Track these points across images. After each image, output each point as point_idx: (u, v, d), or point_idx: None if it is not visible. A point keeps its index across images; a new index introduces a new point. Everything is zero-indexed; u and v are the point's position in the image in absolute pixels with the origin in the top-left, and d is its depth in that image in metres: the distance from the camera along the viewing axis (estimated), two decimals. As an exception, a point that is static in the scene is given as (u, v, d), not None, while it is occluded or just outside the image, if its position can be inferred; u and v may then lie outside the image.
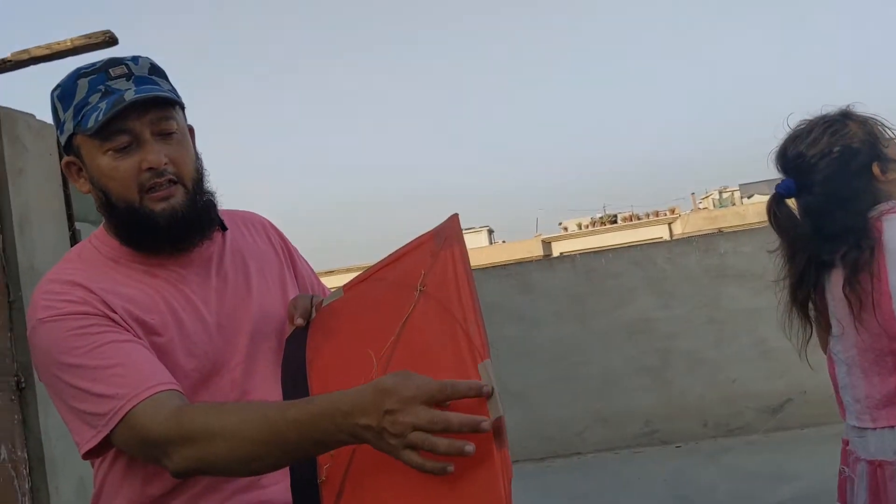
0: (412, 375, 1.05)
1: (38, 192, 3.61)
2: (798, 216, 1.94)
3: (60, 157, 3.63)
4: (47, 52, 3.13)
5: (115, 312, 1.28)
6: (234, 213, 1.54)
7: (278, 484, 1.36)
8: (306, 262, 1.64)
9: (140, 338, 1.28)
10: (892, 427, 1.80)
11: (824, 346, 1.97)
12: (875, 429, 1.83)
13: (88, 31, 3.10)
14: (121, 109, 1.26)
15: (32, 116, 3.69)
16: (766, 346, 5.68)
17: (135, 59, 1.34)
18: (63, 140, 1.34)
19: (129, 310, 1.30)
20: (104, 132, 1.27)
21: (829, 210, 1.85)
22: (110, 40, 3.07)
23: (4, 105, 3.54)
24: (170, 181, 1.32)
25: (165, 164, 1.31)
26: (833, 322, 1.89)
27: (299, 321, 1.37)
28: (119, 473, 1.33)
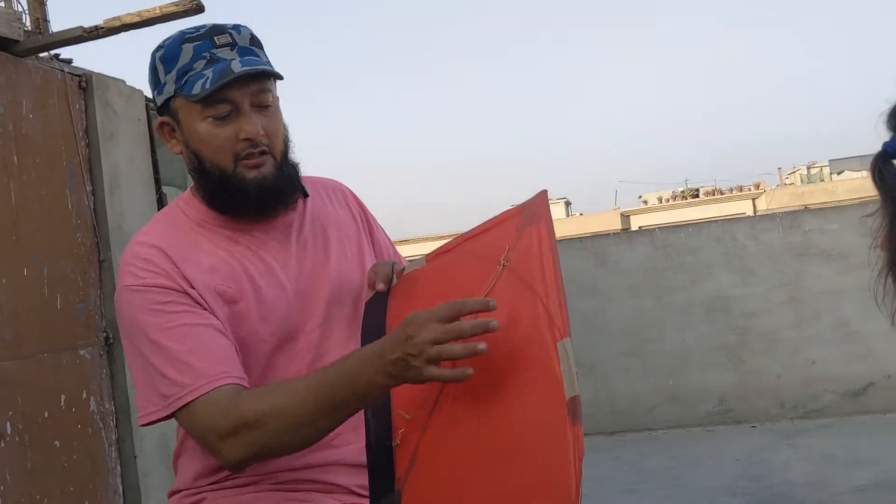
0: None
1: (128, 156, 3.74)
2: None
3: (149, 120, 3.75)
4: (137, 19, 3.21)
5: (194, 288, 1.33)
6: (315, 180, 1.57)
7: (350, 445, 1.40)
8: (384, 231, 1.66)
9: (216, 314, 1.32)
10: None
11: None
12: None
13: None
14: (227, 81, 1.30)
15: (123, 82, 3.81)
16: (849, 328, 5.51)
17: (237, 27, 1.37)
18: (160, 101, 1.38)
19: (208, 281, 1.34)
20: (207, 99, 1.31)
21: None
22: (197, 7, 3.14)
23: (96, 71, 3.66)
24: (262, 152, 1.36)
25: (261, 135, 1.34)
26: None
27: (380, 286, 1.40)
28: None
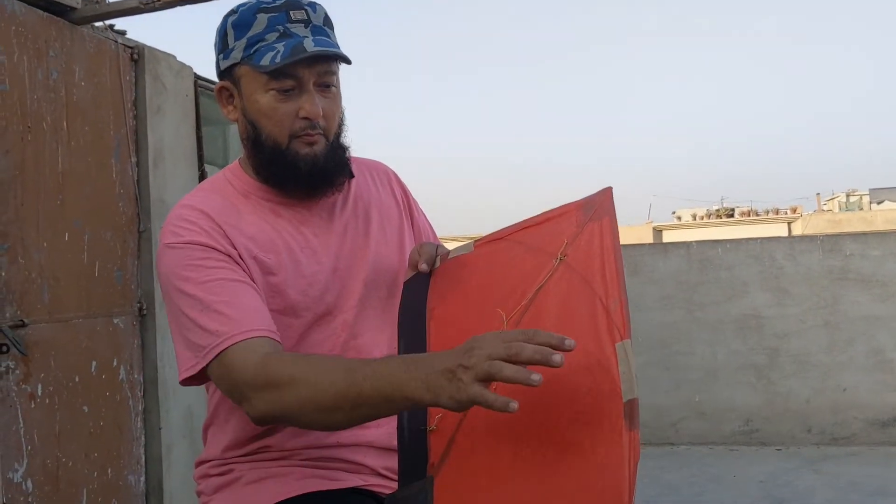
0: None
1: (173, 131, 3.77)
2: None
3: (196, 97, 3.76)
4: (194, -6, 3.23)
5: (235, 249, 1.33)
6: (361, 162, 1.57)
7: (381, 427, 1.39)
8: (426, 216, 1.65)
9: (254, 278, 1.32)
10: None
11: None
12: None
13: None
14: (298, 59, 1.29)
15: (173, 57, 3.83)
16: (883, 357, 5.42)
17: (312, 5, 1.37)
18: (224, 65, 1.37)
19: (249, 248, 1.34)
20: (274, 72, 1.31)
21: None
22: (253, -13, 3.14)
23: (148, 44, 3.69)
24: (318, 133, 1.36)
25: (320, 116, 1.35)
26: None
27: (423, 267, 1.38)
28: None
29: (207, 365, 1.25)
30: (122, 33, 3.63)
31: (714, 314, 5.70)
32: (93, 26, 3.43)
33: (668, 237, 27.42)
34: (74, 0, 3.27)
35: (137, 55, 3.60)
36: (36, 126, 3.02)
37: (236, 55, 1.34)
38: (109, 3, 3.41)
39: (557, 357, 0.97)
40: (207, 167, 4.16)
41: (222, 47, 1.37)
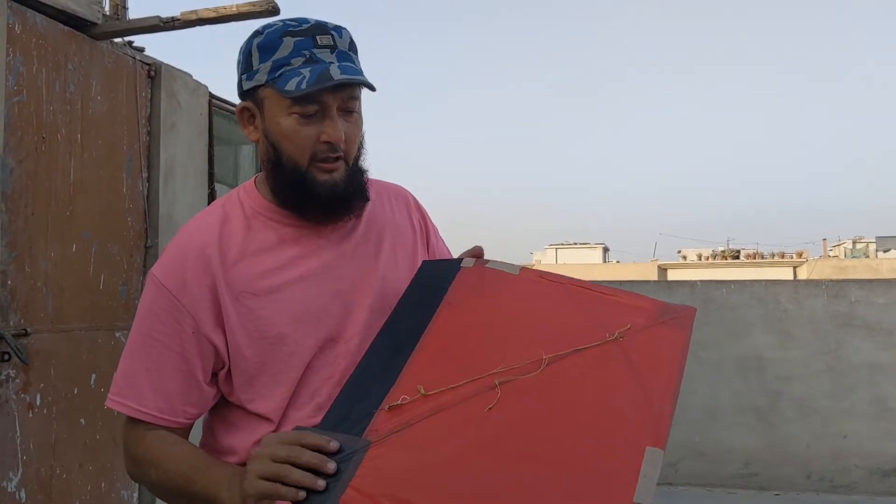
0: None
1: (186, 149, 3.80)
2: None
3: (210, 116, 3.79)
4: (213, 15, 3.27)
5: (217, 291, 1.33)
6: (379, 184, 1.56)
7: None
8: (444, 243, 1.64)
9: (227, 322, 1.33)
10: None
11: None
12: None
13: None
14: (324, 87, 1.30)
15: (189, 76, 3.87)
16: (885, 405, 5.39)
17: (338, 29, 1.37)
18: (247, 86, 1.37)
19: (237, 284, 1.34)
20: (298, 98, 1.31)
21: None
22: (272, 10, 3.18)
23: (165, 61, 3.73)
24: (337, 157, 1.36)
25: (342, 141, 1.35)
26: None
27: (476, 250, 1.48)
28: (225, 424, 1.40)
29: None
30: (141, 50, 3.67)
31: (717, 354, 5.68)
32: (112, 42, 3.48)
33: (672, 276, 27.37)
34: (95, 15, 3.31)
35: (154, 72, 3.64)
36: (50, 137, 3.04)
37: (261, 77, 1.34)
38: (129, 20, 3.46)
39: (331, 465, 1.09)
40: (218, 186, 4.18)
41: (246, 67, 1.37)
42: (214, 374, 1.37)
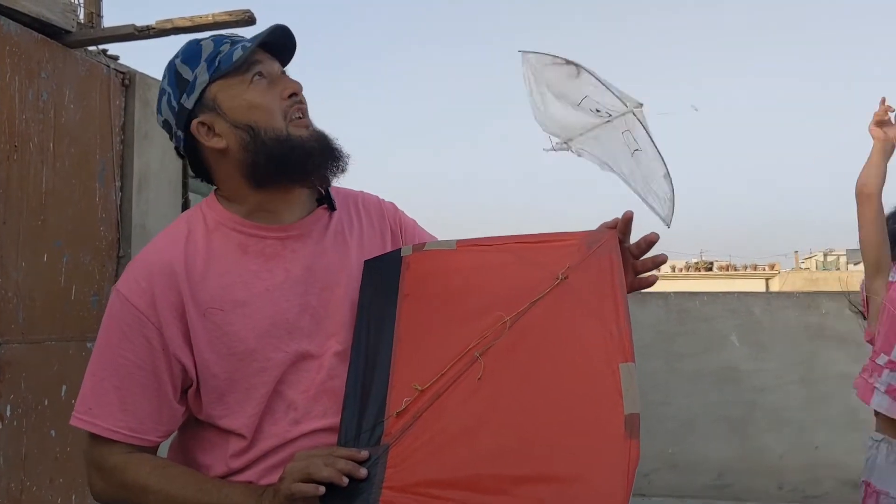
0: None
1: (160, 157, 3.77)
2: None
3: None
4: (189, 23, 3.25)
5: (183, 307, 1.32)
6: (346, 193, 1.54)
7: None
8: (427, 232, 1.61)
9: (193, 337, 1.32)
10: None
11: None
12: None
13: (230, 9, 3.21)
14: (260, 42, 1.36)
15: (165, 84, 3.85)
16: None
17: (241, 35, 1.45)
18: (191, 102, 1.36)
19: (202, 301, 1.33)
20: (246, 65, 1.35)
21: None
22: (249, 19, 3.17)
23: (139, 69, 3.71)
24: (304, 112, 1.39)
25: (301, 89, 1.39)
26: None
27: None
28: (194, 441, 1.39)
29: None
30: (115, 58, 3.64)
31: (691, 365, 5.71)
32: (86, 50, 3.45)
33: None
34: (70, 24, 3.28)
35: (129, 80, 3.61)
36: (23, 146, 3.01)
37: (202, 79, 1.35)
38: (104, 29, 3.43)
39: (363, 471, 1.16)
40: (192, 195, 4.15)
41: (182, 86, 1.36)
42: (184, 392, 1.35)
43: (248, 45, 1.35)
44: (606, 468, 1.06)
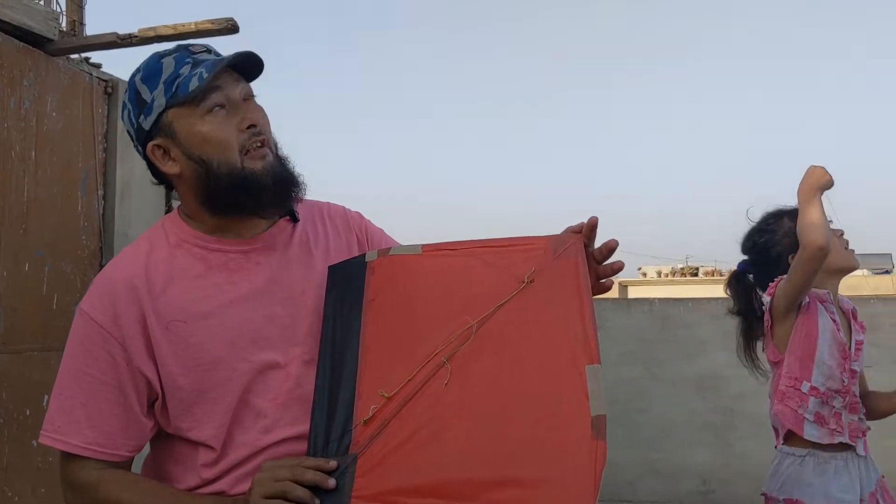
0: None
1: (143, 165, 3.73)
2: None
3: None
4: (172, 32, 3.25)
5: (145, 321, 1.32)
6: (312, 204, 1.53)
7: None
8: (394, 240, 1.60)
9: (157, 351, 1.32)
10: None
11: None
12: None
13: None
14: (220, 69, 1.32)
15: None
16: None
17: (206, 45, 1.39)
18: (148, 123, 1.35)
19: (166, 313, 1.33)
20: (204, 94, 1.31)
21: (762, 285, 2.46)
22: (232, 28, 3.18)
23: (123, 77, 3.70)
24: (262, 142, 1.36)
25: (262, 122, 1.36)
26: None
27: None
28: (168, 454, 1.39)
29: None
30: (98, 66, 3.63)
31: (673, 372, 5.74)
32: (68, 58, 3.44)
33: (633, 293, 27.61)
34: (52, 31, 3.28)
35: (111, 88, 3.61)
36: (4, 154, 3.00)
37: (159, 103, 1.32)
38: (86, 37, 3.42)
39: (331, 481, 1.17)
40: (175, 203, 4.14)
41: (141, 106, 1.34)
42: (150, 406, 1.36)
43: (206, 74, 1.30)
44: (574, 470, 1.06)
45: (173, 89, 1.31)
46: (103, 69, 3.65)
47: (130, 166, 3.66)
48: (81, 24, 3.50)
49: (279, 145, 1.42)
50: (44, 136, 3.20)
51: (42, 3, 3.34)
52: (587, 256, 1.35)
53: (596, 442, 1.07)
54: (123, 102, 1.39)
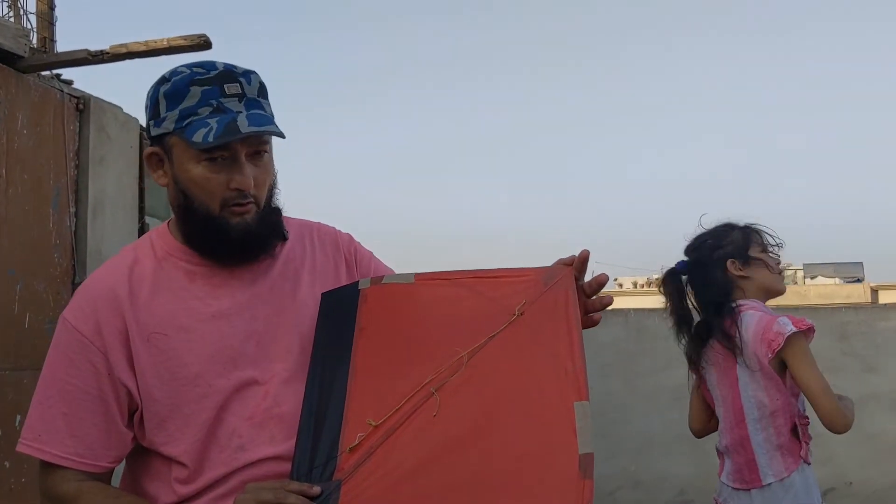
0: None
1: (116, 182, 3.73)
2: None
3: (141, 149, 3.76)
4: (143, 48, 3.24)
5: (127, 333, 1.32)
6: (301, 224, 1.54)
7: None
8: (383, 264, 1.61)
9: (137, 364, 1.32)
10: None
11: None
12: None
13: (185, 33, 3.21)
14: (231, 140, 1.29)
15: (120, 109, 3.82)
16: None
17: (247, 75, 1.35)
18: (154, 132, 1.36)
19: (146, 325, 1.33)
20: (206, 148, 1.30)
21: (697, 286, 2.59)
22: (204, 44, 3.17)
23: (94, 94, 3.68)
24: (248, 202, 1.36)
25: (251, 187, 1.34)
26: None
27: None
28: (144, 469, 1.38)
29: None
30: (69, 83, 3.61)
31: (650, 383, 5.75)
32: (39, 75, 3.41)
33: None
34: (22, 48, 3.25)
35: (83, 105, 3.58)
36: (-27, 172, 2.96)
37: (168, 125, 1.32)
38: (58, 54, 3.40)
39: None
40: (149, 219, 4.11)
41: (154, 114, 1.35)
42: (131, 416, 1.35)
43: (212, 138, 1.27)
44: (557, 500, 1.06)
45: (183, 124, 1.31)
46: (75, 86, 3.63)
47: (102, 184, 3.63)
48: (52, 40, 3.47)
49: (274, 196, 1.41)
50: (15, 153, 3.17)
51: (12, 20, 3.31)
52: (577, 289, 1.35)
53: (583, 481, 1.07)
54: (149, 93, 1.38)
